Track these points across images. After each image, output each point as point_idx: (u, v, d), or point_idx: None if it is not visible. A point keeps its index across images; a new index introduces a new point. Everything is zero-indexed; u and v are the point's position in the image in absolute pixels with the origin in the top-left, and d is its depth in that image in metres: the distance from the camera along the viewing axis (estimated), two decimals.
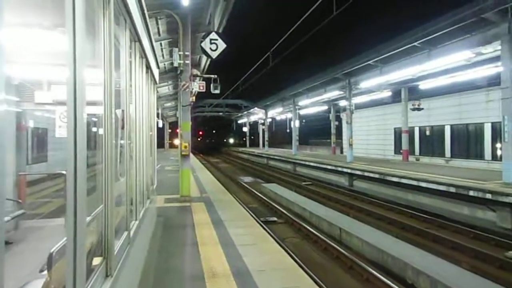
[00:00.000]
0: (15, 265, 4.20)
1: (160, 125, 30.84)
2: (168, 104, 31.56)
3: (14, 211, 5.46)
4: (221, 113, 50.28)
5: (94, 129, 3.09)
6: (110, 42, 2.47)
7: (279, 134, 51.76)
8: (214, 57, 8.75)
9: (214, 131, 78.27)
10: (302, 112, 31.48)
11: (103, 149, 2.40)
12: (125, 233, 3.14)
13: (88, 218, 2.51)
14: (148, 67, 5.46)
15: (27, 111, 6.55)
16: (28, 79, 5.82)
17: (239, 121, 54.38)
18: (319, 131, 43.44)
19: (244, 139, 56.80)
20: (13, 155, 5.78)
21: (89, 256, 2.46)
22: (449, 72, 14.66)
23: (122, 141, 3.27)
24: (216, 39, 8.53)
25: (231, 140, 74.18)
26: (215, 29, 11.02)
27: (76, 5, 1.67)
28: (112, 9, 2.50)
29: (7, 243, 4.97)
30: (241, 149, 50.57)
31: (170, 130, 46.25)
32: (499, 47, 10.39)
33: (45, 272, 2.05)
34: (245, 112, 44.75)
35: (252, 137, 57.65)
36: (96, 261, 2.44)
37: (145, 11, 4.23)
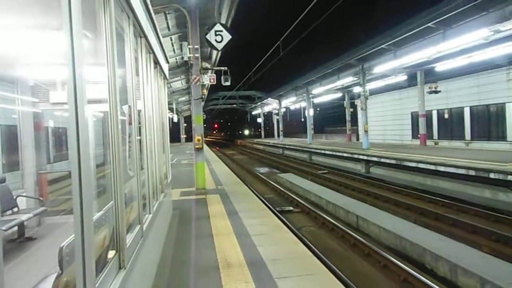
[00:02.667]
0: (38, 259, 4.37)
1: (175, 119, 31.20)
2: (182, 99, 31.78)
3: (36, 209, 5.68)
4: (234, 105, 50.37)
5: (102, 126, 3.15)
6: (112, 39, 2.50)
7: (294, 124, 51.58)
8: (219, 48, 8.71)
9: (229, 124, 78.50)
10: (316, 100, 31.17)
11: (110, 146, 2.44)
12: (138, 227, 3.21)
13: (99, 213, 2.58)
14: (156, 62, 5.50)
15: (46, 111, 6.73)
16: (44, 79, 5.97)
17: (253, 112, 54.39)
18: (334, 118, 43.00)
19: (259, 130, 56.85)
20: (33, 154, 5.98)
21: (103, 250, 2.54)
22: (466, 52, 14.15)
23: (130, 137, 3.32)
24: (221, 31, 8.48)
25: (246, 132, 74.39)
26: (224, 21, 10.98)
27: (72, 3, 1.69)
28: (112, 6, 2.52)
29: (30, 239, 5.16)
30: (256, 140, 50.64)
31: (185, 124, 46.67)
32: None
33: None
34: (259, 103, 44.67)
35: (267, 128, 57.64)
36: (111, 254, 2.52)
37: (150, 7, 4.24)
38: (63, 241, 2.05)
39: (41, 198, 5.92)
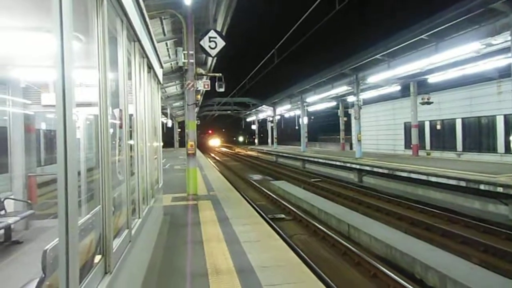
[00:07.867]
0: (23, 264, 4.29)
1: (169, 124, 31.08)
2: (177, 104, 31.79)
3: (24, 212, 5.60)
4: (229, 112, 50.39)
5: (94, 129, 3.14)
6: (105, 42, 2.49)
7: (288, 131, 51.70)
8: (213, 55, 8.73)
9: (223, 130, 78.45)
10: (311, 108, 31.35)
11: (99, 149, 2.42)
12: (126, 231, 3.18)
13: (86, 217, 2.56)
14: (150, 67, 5.50)
15: (38, 113, 6.67)
16: (36, 81, 5.93)
17: (248, 119, 54.43)
18: (328, 127, 43.23)
19: (254, 137, 56.88)
20: (22, 157, 5.91)
21: (89, 254, 2.50)
22: (458, 64, 14.40)
23: (120, 141, 3.31)
24: (215, 37, 8.50)
25: (241, 139, 74.39)
26: (220, 28, 11.04)
27: (63, 5, 1.68)
28: (105, 9, 2.52)
29: (17, 242, 5.08)
30: (250, 147, 50.63)
31: (180, 130, 46.51)
32: (510, 38, 10.16)
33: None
34: (253, 110, 44.76)
35: (262, 135, 57.72)
36: (97, 258, 2.49)
37: (144, 12, 4.25)
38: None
39: (29, 201, 5.84)
